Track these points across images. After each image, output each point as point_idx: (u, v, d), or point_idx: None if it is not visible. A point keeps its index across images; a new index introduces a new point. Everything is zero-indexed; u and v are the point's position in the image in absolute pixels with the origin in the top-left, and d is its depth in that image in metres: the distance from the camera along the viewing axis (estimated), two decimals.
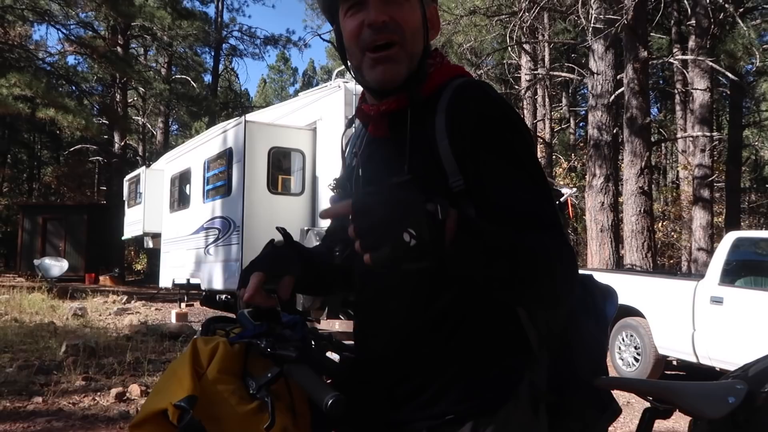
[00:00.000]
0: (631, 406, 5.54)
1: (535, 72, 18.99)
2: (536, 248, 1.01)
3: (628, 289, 7.23)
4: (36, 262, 20.64)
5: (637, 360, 7.15)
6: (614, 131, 12.24)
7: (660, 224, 19.31)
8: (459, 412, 1.11)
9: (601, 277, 1.45)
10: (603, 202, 11.68)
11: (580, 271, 1.12)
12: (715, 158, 17.64)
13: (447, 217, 0.91)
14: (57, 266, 19.73)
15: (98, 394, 5.55)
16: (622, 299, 6.28)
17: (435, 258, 0.91)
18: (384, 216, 0.88)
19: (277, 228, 1.32)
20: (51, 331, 8.88)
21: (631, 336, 7.25)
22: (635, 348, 7.19)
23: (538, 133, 20.15)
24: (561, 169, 21.04)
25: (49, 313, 11.09)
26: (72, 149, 31.23)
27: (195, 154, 11.97)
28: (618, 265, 11.37)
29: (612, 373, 6.62)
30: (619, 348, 7.39)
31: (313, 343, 1.22)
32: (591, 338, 1.28)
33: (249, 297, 1.17)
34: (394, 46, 1.14)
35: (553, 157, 21.81)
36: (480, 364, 1.12)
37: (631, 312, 7.18)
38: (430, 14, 1.21)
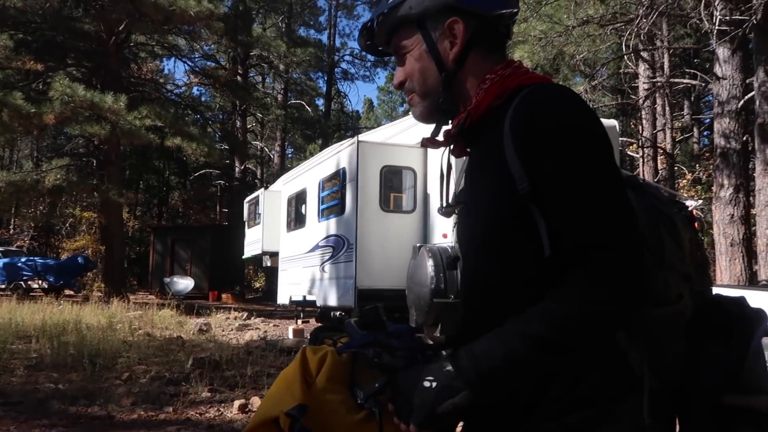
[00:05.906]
0: None
1: (654, 80, 18.15)
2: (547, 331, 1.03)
3: (764, 306, 6.69)
4: (165, 280, 22.01)
5: None
6: (744, 139, 11.46)
7: None
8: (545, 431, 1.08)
9: (734, 294, 1.38)
10: (733, 215, 10.94)
11: (734, 292, 1.05)
12: None
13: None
14: (184, 284, 20.90)
15: (222, 405, 5.79)
16: None
17: (466, 391, 1.03)
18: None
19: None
20: (179, 345, 9.41)
21: None
22: None
23: (658, 144, 19.20)
24: (685, 181, 19.93)
25: (177, 328, 11.77)
26: (197, 174, 33.11)
27: (310, 175, 12.34)
28: (751, 281, 10.57)
29: None
30: None
31: (420, 353, 1.21)
32: (720, 361, 1.20)
33: None
34: (412, 94, 1.30)
35: (675, 168, 20.68)
36: (570, 385, 1.08)
37: None
38: (444, 41, 1.23)
